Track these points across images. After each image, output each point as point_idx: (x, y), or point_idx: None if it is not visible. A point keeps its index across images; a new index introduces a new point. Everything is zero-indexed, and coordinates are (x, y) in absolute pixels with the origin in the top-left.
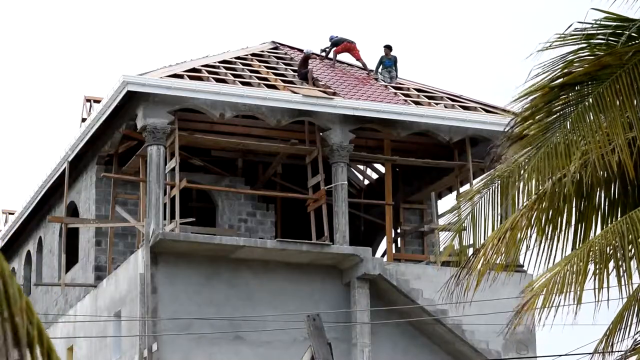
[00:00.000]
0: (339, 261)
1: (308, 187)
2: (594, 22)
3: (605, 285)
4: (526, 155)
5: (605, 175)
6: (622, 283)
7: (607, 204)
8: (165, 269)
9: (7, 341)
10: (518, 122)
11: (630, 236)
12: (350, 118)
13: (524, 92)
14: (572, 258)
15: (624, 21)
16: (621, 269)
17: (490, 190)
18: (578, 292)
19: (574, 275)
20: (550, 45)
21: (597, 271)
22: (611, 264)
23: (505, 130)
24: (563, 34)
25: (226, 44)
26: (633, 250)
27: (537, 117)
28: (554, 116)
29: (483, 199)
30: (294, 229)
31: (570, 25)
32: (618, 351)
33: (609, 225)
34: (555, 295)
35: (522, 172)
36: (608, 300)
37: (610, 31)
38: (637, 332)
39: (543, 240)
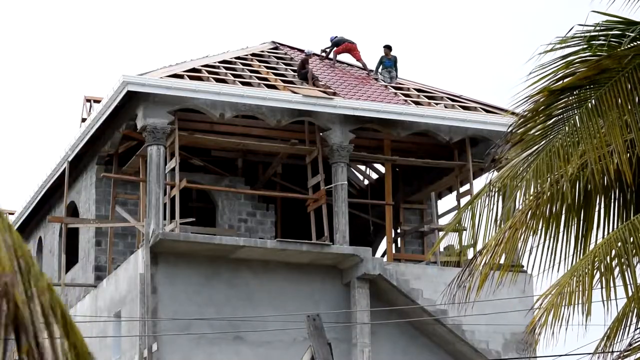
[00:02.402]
0: (339, 261)
1: (308, 187)
2: (595, 25)
3: (612, 294)
4: (526, 159)
5: (604, 179)
6: (629, 285)
7: (606, 205)
8: (165, 269)
9: (35, 319)
10: (518, 125)
11: (632, 240)
12: (350, 118)
13: (524, 95)
14: (577, 269)
15: (625, 23)
16: (626, 274)
17: (490, 192)
18: (586, 306)
19: (580, 288)
20: (552, 48)
21: (604, 280)
22: (615, 270)
23: (506, 132)
24: (564, 37)
25: (226, 44)
26: (636, 254)
27: (537, 121)
28: (554, 120)
29: (483, 201)
30: (294, 229)
31: (571, 28)
32: (618, 351)
33: (611, 232)
34: (564, 308)
35: (521, 175)
36: (616, 300)
37: (612, 33)
38: (637, 329)
39: (543, 241)
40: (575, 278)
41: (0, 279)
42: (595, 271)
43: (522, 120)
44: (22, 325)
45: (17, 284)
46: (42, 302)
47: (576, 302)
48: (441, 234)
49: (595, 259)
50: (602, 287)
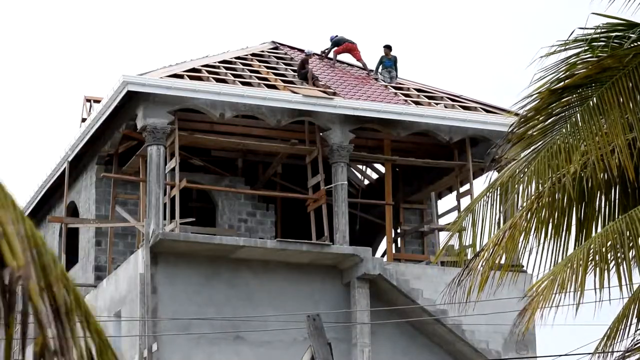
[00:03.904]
0: (339, 261)
1: (308, 187)
2: (595, 27)
3: (605, 284)
4: (527, 158)
5: (606, 177)
6: (623, 282)
7: (607, 205)
8: (165, 269)
9: (48, 311)
10: (519, 125)
11: (629, 234)
12: (350, 118)
13: (525, 95)
14: (572, 258)
15: (627, 25)
16: (621, 267)
17: (491, 192)
18: (579, 288)
19: (573, 273)
20: (554, 51)
21: (598, 270)
22: (611, 263)
23: (507, 132)
24: (566, 40)
25: (226, 44)
26: (633, 249)
27: (538, 119)
28: (555, 119)
29: (484, 201)
30: (294, 229)
31: (572, 31)
32: (618, 351)
33: (609, 224)
34: (556, 294)
35: (522, 174)
36: (610, 299)
37: (614, 34)
38: (637, 330)
39: (543, 241)
40: (569, 266)
41: (15, 274)
42: (589, 260)
43: (523, 119)
44: (37, 318)
45: (31, 276)
46: (55, 293)
47: (568, 288)
48: (442, 234)
49: (591, 248)
50: (595, 276)
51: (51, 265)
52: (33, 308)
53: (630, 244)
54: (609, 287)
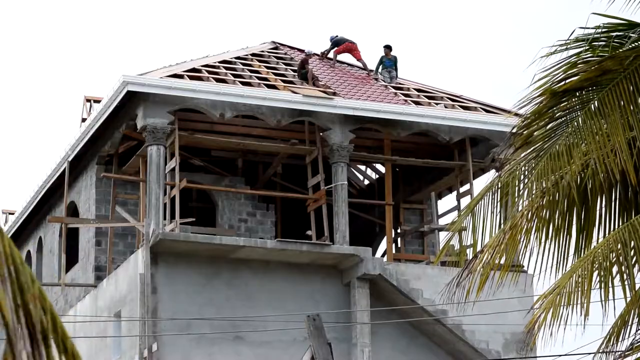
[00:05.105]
0: (339, 261)
1: (308, 187)
2: (596, 27)
3: (611, 294)
4: (528, 161)
5: (607, 178)
6: (626, 289)
7: (608, 205)
8: (165, 269)
9: (22, 330)
10: (521, 127)
11: (632, 243)
12: (350, 118)
13: (526, 97)
14: (576, 269)
15: (627, 25)
16: (625, 275)
17: (492, 193)
18: (585, 306)
19: (579, 289)
20: (555, 51)
21: (602, 283)
22: (614, 270)
23: (508, 135)
24: (566, 40)
25: (226, 44)
26: (635, 258)
27: (540, 123)
28: (556, 122)
29: (485, 202)
30: (294, 229)
31: (573, 31)
32: (619, 351)
33: (611, 233)
34: (563, 309)
35: (523, 177)
36: (614, 302)
37: (614, 34)
38: (637, 330)
39: (544, 239)
40: (574, 279)
41: None
42: (594, 272)
43: (525, 122)
44: (8, 334)
45: (6, 292)
46: (30, 312)
47: (575, 303)
48: (442, 234)
49: (595, 260)
50: (600, 289)
51: (29, 284)
52: (4, 323)
53: (633, 253)
54: (614, 290)
